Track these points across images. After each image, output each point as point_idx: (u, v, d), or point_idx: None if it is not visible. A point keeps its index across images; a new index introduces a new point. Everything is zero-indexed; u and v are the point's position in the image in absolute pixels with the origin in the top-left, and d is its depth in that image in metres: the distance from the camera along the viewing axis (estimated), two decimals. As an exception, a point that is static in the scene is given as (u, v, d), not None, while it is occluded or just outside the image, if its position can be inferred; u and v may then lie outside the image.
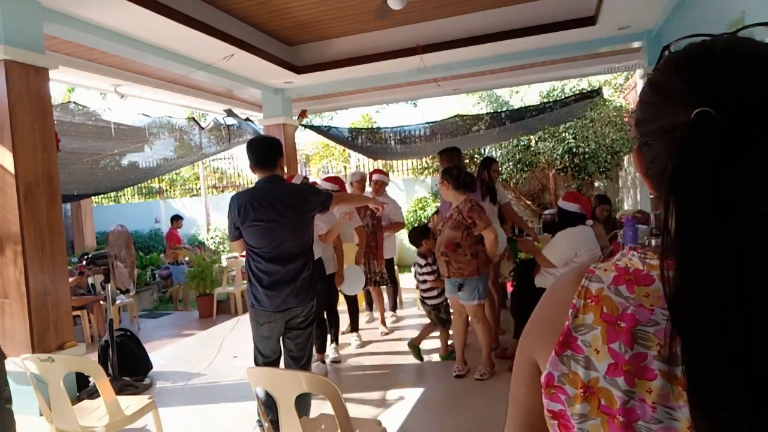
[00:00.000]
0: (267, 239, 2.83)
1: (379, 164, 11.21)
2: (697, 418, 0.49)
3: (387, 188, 5.82)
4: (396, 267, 7.15)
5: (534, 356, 0.65)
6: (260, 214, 2.81)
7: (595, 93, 8.32)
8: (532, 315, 0.69)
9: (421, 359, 4.44)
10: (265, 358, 3.01)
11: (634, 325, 0.57)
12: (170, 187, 16.08)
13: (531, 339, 0.67)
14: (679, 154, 0.53)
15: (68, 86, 10.96)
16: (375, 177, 5.67)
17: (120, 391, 3.69)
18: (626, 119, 9.80)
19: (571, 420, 0.59)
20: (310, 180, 5.41)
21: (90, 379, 3.80)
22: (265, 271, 2.86)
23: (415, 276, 6.47)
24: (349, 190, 5.34)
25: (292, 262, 2.88)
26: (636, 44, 5.94)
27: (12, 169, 3.44)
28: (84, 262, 4.48)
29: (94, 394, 3.48)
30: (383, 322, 5.57)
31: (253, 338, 3.03)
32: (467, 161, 9.36)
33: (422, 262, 4.41)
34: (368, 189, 5.65)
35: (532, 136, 9.78)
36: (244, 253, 2.99)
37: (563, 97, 9.59)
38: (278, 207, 2.82)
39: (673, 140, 0.55)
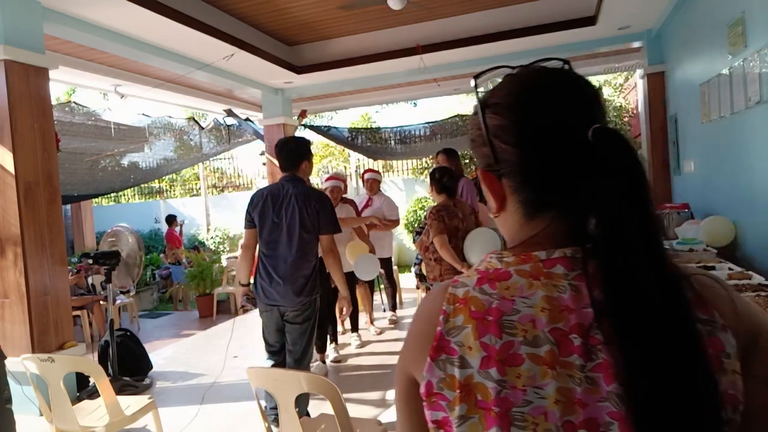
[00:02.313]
0: (269, 233, 2.97)
1: (379, 164, 11.22)
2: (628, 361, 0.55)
3: (386, 187, 5.83)
4: (396, 267, 7.14)
5: (411, 371, 0.66)
6: (267, 208, 2.96)
7: (595, 93, 8.32)
8: (406, 335, 0.70)
9: None
10: (269, 345, 3.13)
11: (500, 316, 0.61)
12: (170, 187, 16.09)
13: (406, 357, 0.68)
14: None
15: (69, 86, 10.96)
16: (367, 176, 5.68)
17: (120, 391, 3.68)
18: (626, 119, 9.80)
19: (455, 424, 0.60)
20: (312, 181, 5.41)
21: (90, 379, 3.79)
22: (265, 265, 2.99)
23: (415, 275, 6.49)
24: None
25: (291, 258, 2.95)
26: (636, 44, 5.94)
27: (12, 169, 3.44)
28: (90, 261, 4.47)
29: (94, 394, 3.48)
30: (372, 322, 5.53)
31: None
32: (467, 161, 9.36)
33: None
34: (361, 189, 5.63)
35: (532, 136, 9.78)
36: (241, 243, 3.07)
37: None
38: (286, 204, 2.95)
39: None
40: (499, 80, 0.70)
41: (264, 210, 2.98)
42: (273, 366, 3.12)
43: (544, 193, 0.66)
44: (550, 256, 0.63)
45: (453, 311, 0.64)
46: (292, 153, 3.05)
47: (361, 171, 12.12)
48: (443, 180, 3.85)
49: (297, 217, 2.93)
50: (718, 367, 0.55)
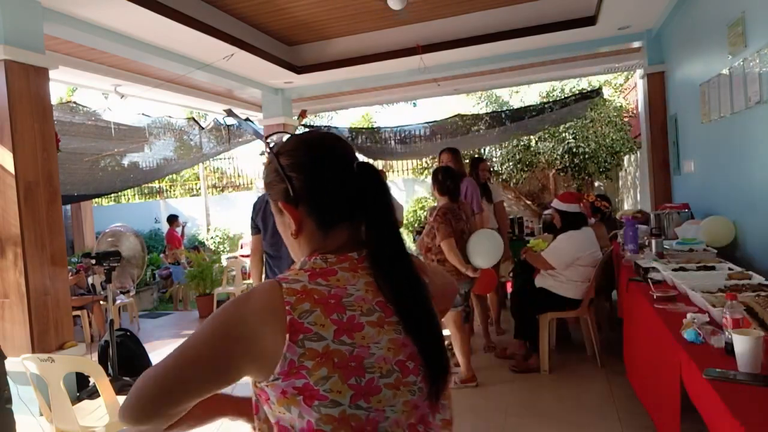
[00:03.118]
0: (272, 238, 3.17)
1: (379, 164, 11.22)
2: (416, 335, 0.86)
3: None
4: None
5: (258, 353, 0.80)
6: (268, 214, 3.13)
7: (595, 93, 8.33)
8: (236, 317, 0.82)
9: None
10: None
11: (340, 299, 0.83)
12: (170, 187, 16.09)
13: (236, 349, 0.80)
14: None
15: (69, 86, 10.96)
16: None
17: (120, 391, 3.68)
18: (626, 119, 9.80)
19: (315, 386, 0.78)
20: None
21: (90, 379, 3.79)
22: (270, 266, 3.21)
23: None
24: None
25: (289, 262, 2.97)
26: (636, 44, 5.94)
27: (12, 169, 3.43)
28: (93, 261, 4.46)
29: (94, 394, 3.47)
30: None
31: None
32: (467, 161, 9.36)
33: None
34: None
35: (532, 136, 9.78)
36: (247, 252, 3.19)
37: (563, 97, 9.59)
38: None
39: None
40: (286, 137, 0.98)
41: (265, 215, 3.17)
42: None
43: (331, 212, 0.91)
44: (360, 255, 0.90)
45: (296, 300, 0.81)
46: None
47: (361, 171, 12.12)
48: (446, 182, 3.81)
49: None
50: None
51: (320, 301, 0.81)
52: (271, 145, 0.97)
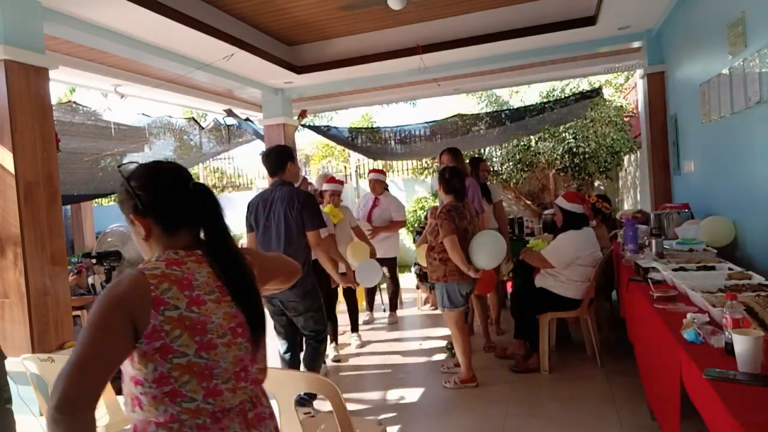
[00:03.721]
0: (261, 236, 3.35)
1: (379, 164, 11.21)
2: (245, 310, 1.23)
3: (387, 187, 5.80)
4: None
5: (134, 319, 1.09)
6: (259, 213, 3.35)
7: (595, 93, 8.32)
8: (114, 301, 1.10)
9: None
10: (276, 329, 3.53)
11: (191, 281, 1.17)
12: (170, 187, 16.06)
13: (129, 310, 1.09)
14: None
15: (69, 86, 10.95)
16: (371, 176, 5.62)
17: (120, 391, 3.68)
18: (626, 119, 9.79)
19: (170, 344, 1.09)
20: (309, 180, 5.40)
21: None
22: None
23: (415, 275, 6.48)
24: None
25: None
26: (636, 44, 5.93)
27: (12, 169, 3.43)
28: (93, 261, 4.46)
29: (94, 394, 3.47)
30: (355, 329, 5.21)
31: None
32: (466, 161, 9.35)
33: None
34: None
35: (532, 136, 9.77)
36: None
37: (563, 97, 9.59)
38: (272, 208, 3.30)
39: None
40: (133, 166, 1.30)
41: (257, 215, 3.36)
42: (286, 352, 3.53)
43: (172, 220, 1.22)
44: (203, 251, 1.23)
45: (158, 282, 1.12)
46: (277, 157, 3.42)
47: (361, 171, 12.13)
48: (453, 181, 3.80)
49: (283, 219, 3.27)
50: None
51: (176, 281, 1.14)
52: (123, 172, 1.28)
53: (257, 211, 3.36)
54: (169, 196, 1.22)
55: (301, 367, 3.50)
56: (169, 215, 1.21)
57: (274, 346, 3.56)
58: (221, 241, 1.23)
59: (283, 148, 3.52)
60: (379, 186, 5.54)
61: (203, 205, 1.23)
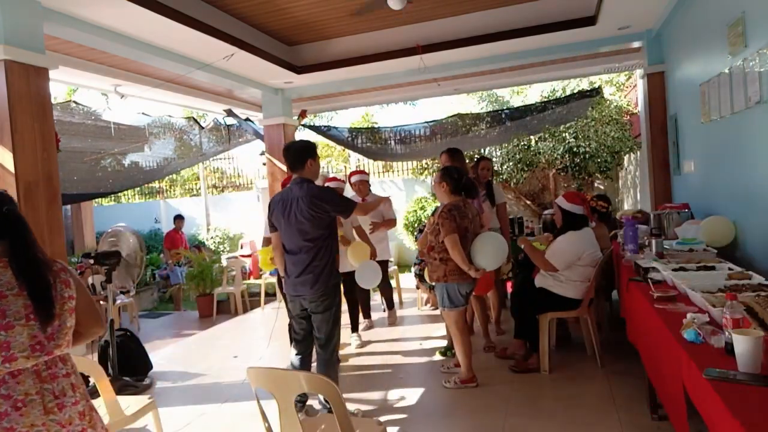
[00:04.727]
0: (284, 234, 3.32)
1: (379, 164, 11.21)
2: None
3: (387, 187, 5.79)
4: (395, 267, 7.13)
5: None
6: (279, 212, 3.30)
7: (595, 92, 8.32)
8: None
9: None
10: (294, 333, 3.53)
11: None
12: (170, 187, 16.09)
13: None
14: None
15: (69, 86, 10.95)
16: (354, 179, 5.39)
17: (120, 391, 3.68)
18: (627, 118, 9.79)
19: None
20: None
21: (90, 379, 3.79)
22: (287, 260, 3.35)
23: (415, 275, 6.48)
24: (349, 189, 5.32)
25: (302, 255, 3.27)
26: (636, 44, 5.94)
27: (12, 169, 3.43)
28: (92, 261, 4.46)
29: (94, 394, 3.47)
30: (355, 329, 5.24)
31: None
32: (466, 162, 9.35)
33: None
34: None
35: (532, 136, 9.77)
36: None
37: (563, 96, 9.58)
38: (292, 207, 3.25)
39: None
40: None
41: (278, 214, 3.31)
42: (297, 354, 3.48)
43: None
44: (8, 259, 1.56)
45: None
46: (298, 152, 3.34)
47: (361, 171, 12.09)
48: (462, 180, 3.78)
49: (304, 217, 3.22)
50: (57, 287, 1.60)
51: None
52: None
53: (277, 210, 3.32)
54: None
55: None
56: None
57: (282, 353, 3.56)
58: (21, 252, 1.56)
59: (306, 144, 3.41)
60: (364, 187, 5.41)
61: (6, 224, 1.57)
